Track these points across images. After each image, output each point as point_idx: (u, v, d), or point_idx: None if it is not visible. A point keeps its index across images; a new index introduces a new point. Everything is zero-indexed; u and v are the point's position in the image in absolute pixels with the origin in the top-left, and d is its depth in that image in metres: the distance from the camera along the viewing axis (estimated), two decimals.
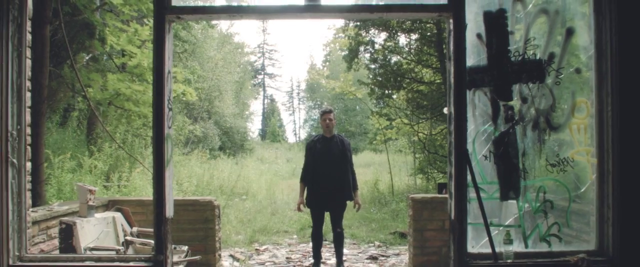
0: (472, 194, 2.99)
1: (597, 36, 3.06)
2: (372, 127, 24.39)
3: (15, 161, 3.03)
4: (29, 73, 3.12)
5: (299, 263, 5.71)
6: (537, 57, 3.08)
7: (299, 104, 54.86)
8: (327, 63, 43.87)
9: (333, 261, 5.51)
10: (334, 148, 5.06)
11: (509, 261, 2.99)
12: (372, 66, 12.05)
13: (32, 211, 3.73)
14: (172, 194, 3.10)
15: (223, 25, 27.08)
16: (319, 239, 5.17)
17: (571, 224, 3.12)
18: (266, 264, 5.71)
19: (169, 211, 3.04)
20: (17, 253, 3.06)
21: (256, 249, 6.47)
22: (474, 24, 3.07)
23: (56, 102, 8.42)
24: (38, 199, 5.26)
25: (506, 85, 3.09)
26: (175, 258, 3.75)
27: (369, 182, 11.60)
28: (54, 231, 4.02)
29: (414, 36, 11.04)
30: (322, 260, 5.33)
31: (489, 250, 2.98)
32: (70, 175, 7.08)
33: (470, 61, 3.05)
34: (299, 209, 5.18)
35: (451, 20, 3.01)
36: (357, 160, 9.19)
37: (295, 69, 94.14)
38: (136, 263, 3.05)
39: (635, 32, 2.94)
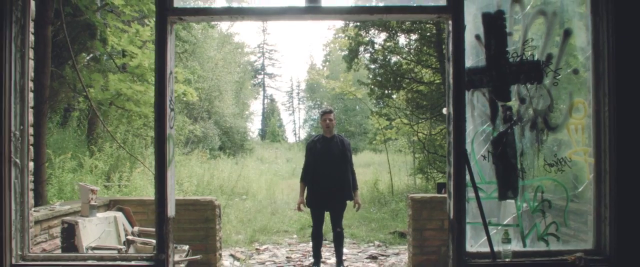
0: (470, 193, 3.02)
1: (594, 37, 3.08)
2: (371, 127, 24.42)
3: (18, 160, 3.05)
4: (31, 74, 3.15)
5: (299, 262, 5.74)
6: (535, 58, 3.11)
7: (298, 104, 54.91)
8: (327, 63, 43.87)
9: (333, 260, 5.54)
10: (334, 148, 5.09)
11: (507, 259, 3.02)
12: (372, 66, 12.07)
13: (34, 211, 3.76)
14: (173, 194, 3.12)
15: (223, 25, 27.09)
16: (319, 239, 5.20)
17: (569, 223, 3.15)
18: (266, 263, 5.74)
19: (171, 211, 3.06)
20: (19, 252, 3.08)
21: (256, 249, 6.49)
22: (472, 25, 3.10)
23: (57, 102, 8.44)
24: (40, 199, 5.29)
25: (504, 86, 3.12)
26: (177, 257, 3.78)
27: (368, 182, 11.63)
28: (56, 231, 4.05)
29: (414, 36, 11.07)
30: (322, 259, 5.36)
31: (487, 249, 3.01)
32: (71, 175, 7.11)
33: (469, 62, 3.08)
34: (299, 209, 5.21)
35: (450, 22, 3.04)
36: (357, 160, 9.22)
37: (295, 69, 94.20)
38: (138, 262, 3.08)
39: (632, 33, 2.96)
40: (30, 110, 3.14)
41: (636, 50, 2.96)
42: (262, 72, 52.07)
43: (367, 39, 11.40)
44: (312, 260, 5.37)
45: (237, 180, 11.84)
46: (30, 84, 3.14)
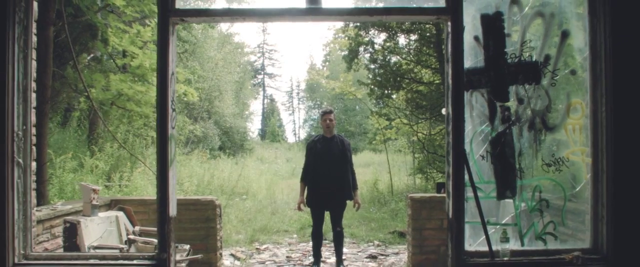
0: (469, 193, 3.04)
1: (591, 38, 3.11)
2: (371, 127, 24.45)
3: (21, 160, 3.08)
4: (34, 74, 3.18)
5: (299, 262, 5.76)
6: (533, 59, 3.13)
7: (298, 104, 54.90)
8: (327, 63, 43.89)
9: (333, 259, 5.57)
10: (334, 148, 5.12)
11: (505, 258, 3.05)
12: (372, 66, 12.10)
13: (37, 210, 3.78)
14: (175, 193, 3.15)
15: (223, 25, 27.11)
16: (319, 238, 5.23)
17: (566, 222, 3.18)
18: (266, 263, 5.77)
19: (172, 210, 3.09)
20: (22, 251, 3.10)
21: (257, 248, 6.52)
22: (471, 27, 3.13)
23: (59, 102, 8.47)
24: (41, 199, 5.31)
25: (503, 86, 3.15)
26: (178, 257, 3.81)
27: (368, 181, 11.65)
28: (58, 230, 4.07)
29: (414, 37, 11.11)
30: (322, 259, 5.39)
31: (486, 248, 3.04)
32: (71, 175, 7.14)
33: (467, 63, 3.10)
34: (299, 209, 5.24)
35: (449, 23, 3.06)
36: (357, 160, 9.24)
37: (295, 69, 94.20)
38: (140, 261, 3.10)
39: (629, 34, 2.99)
40: (33, 110, 3.17)
41: (633, 51, 2.98)
42: (262, 72, 52.09)
43: (367, 39, 11.42)
44: (312, 259, 5.40)
45: (237, 180, 11.87)
46: (33, 85, 3.16)
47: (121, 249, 3.79)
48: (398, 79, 10.90)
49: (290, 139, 46.58)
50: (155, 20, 6.98)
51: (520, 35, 3.15)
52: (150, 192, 8.00)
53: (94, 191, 4.02)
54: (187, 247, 4.38)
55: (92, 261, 3.15)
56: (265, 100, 52.23)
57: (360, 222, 8.53)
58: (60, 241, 3.99)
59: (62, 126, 9.20)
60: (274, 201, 10.72)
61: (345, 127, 35.79)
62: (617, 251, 2.99)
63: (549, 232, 3.15)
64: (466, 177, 3.02)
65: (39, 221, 3.81)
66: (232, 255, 5.99)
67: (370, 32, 11.30)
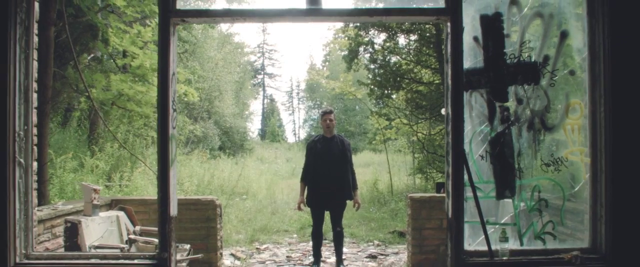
0: (469, 193, 3.06)
1: (590, 39, 3.12)
2: (371, 127, 24.47)
3: (22, 160, 3.09)
4: (35, 74, 3.19)
5: (299, 262, 5.78)
6: (532, 60, 3.15)
7: (298, 104, 54.93)
8: (327, 63, 43.90)
9: (333, 259, 5.58)
10: (334, 148, 5.13)
11: (504, 258, 3.06)
12: (372, 66, 12.11)
13: (38, 210, 3.80)
14: (175, 193, 3.16)
15: (223, 25, 27.13)
16: (319, 238, 5.24)
17: (565, 222, 3.20)
18: (267, 262, 5.78)
19: (173, 210, 3.10)
20: (23, 251, 3.12)
21: (257, 248, 6.53)
22: (471, 27, 3.14)
23: (59, 102, 8.49)
24: (42, 199, 5.33)
25: (502, 86, 3.16)
26: (178, 256, 3.82)
27: (368, 181, 11.67)
28: (59, 230, 4.09)
29: (413, 37, 11.12)
30: (322, 259, 5.40)
31: (485, 248, 3.05)
32: (72, 175, 7.16)
33: (467, 63, 3.12)
34: (299, 208, 5.26)
35: (449, 24, 3.07)
36: (357, 160, 9.26)
37: (295, 69, 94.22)
38: (141, 261, 3.11)
39: (628, 35, 3.00)
40: (34, 110, 3.18)
41: (632, 52, 3.00)
42: (262, 72, 52.11)
43: (367, 39, 11.44)
44: (312, 259, 5.42)
45: (237, 180, 11.89)
46: (34, 85, 3.18)
47: (122, 249, 3.81)
48: (398, 79, 10.92)
49: (290, 139, 46.66)
50: (156, 20, 7.00)
51: (519, 35, 3.16)
52: (150, 192, 8.02)
53: (95, 190, 4.03)
54: (188, 246, 4.39)
55: (93, 261, 3.16)
56: (265, 100, 52.28)
57: (360, 222, 8.55)
58: (61, 240, 4.01)
59: (63, 126, 9.21)
60: (274, 200, 10.74)
61: (345, 127, 35.81)
62: (615, 251, 3.00)
63: (548, 231, 3.16)
64: (465, 177, 3.03)
65: (40, 221, 3.83)
66: (232, 255, 6.00)
67: (370, 32, 11.32)
